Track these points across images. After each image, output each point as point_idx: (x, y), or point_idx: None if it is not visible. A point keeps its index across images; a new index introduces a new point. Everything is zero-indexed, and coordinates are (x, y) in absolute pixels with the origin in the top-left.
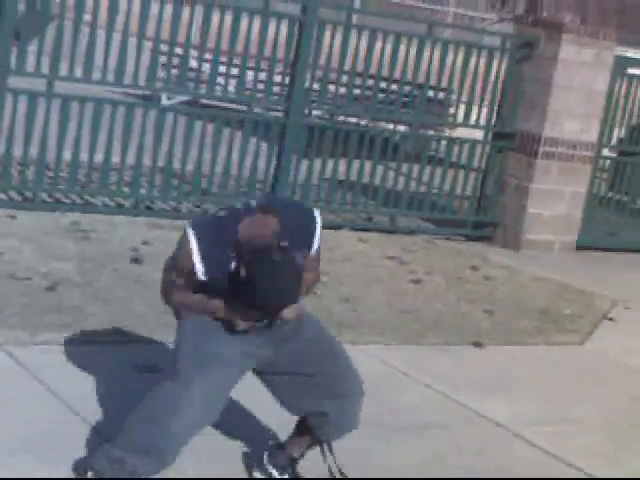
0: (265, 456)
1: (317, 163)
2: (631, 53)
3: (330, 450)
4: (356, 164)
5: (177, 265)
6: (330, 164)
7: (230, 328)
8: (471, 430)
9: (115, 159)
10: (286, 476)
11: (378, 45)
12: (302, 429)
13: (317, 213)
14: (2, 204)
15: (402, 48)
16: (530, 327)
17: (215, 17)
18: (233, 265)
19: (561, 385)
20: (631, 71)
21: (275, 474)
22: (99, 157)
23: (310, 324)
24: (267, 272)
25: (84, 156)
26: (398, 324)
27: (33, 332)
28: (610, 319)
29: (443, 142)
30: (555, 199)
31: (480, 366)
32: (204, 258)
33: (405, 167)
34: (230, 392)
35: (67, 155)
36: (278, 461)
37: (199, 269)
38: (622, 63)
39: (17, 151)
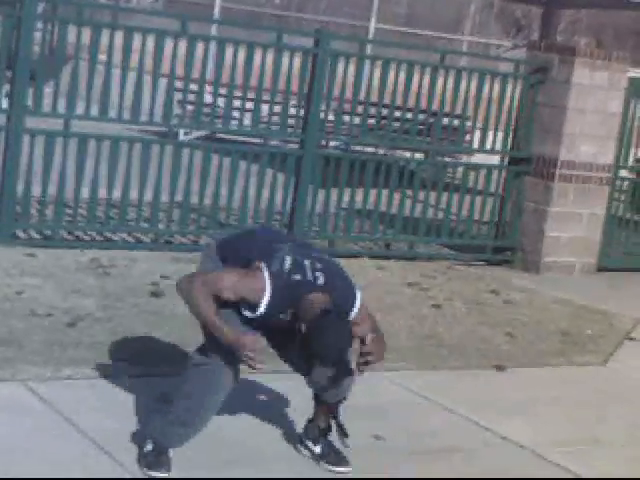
0: (302, 432)
1: (334, 193)
2: None
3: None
4: (373, 193)
5: (238, 286)
6: (347, 193)
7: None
8: (495, 453)
9: (133, 195)
10: (319, 446)
11: (392, 74)
12: (317, 400)
13: (358, 292)
14: (22, 242)
15: (416, 77)
16: (552, 349)
17: (228, 52)
18: (288, 316)
19: (585, 406)
20: None
21: (312, 446)
22: (117, 194)
23: None
24: (331, 331)
25: (102, 193)
26: (420, 349)
27: (55, 368)
28: (632, 339)
29: (460, 168)
30: (573, 221)
31: (502, 389)
32: (271, 298)
33: (422, 194)
34: None
35: (85, 193)
36: (311, 434)
37: (263, 304)
38: (637, 84)
39: (36, 190)
